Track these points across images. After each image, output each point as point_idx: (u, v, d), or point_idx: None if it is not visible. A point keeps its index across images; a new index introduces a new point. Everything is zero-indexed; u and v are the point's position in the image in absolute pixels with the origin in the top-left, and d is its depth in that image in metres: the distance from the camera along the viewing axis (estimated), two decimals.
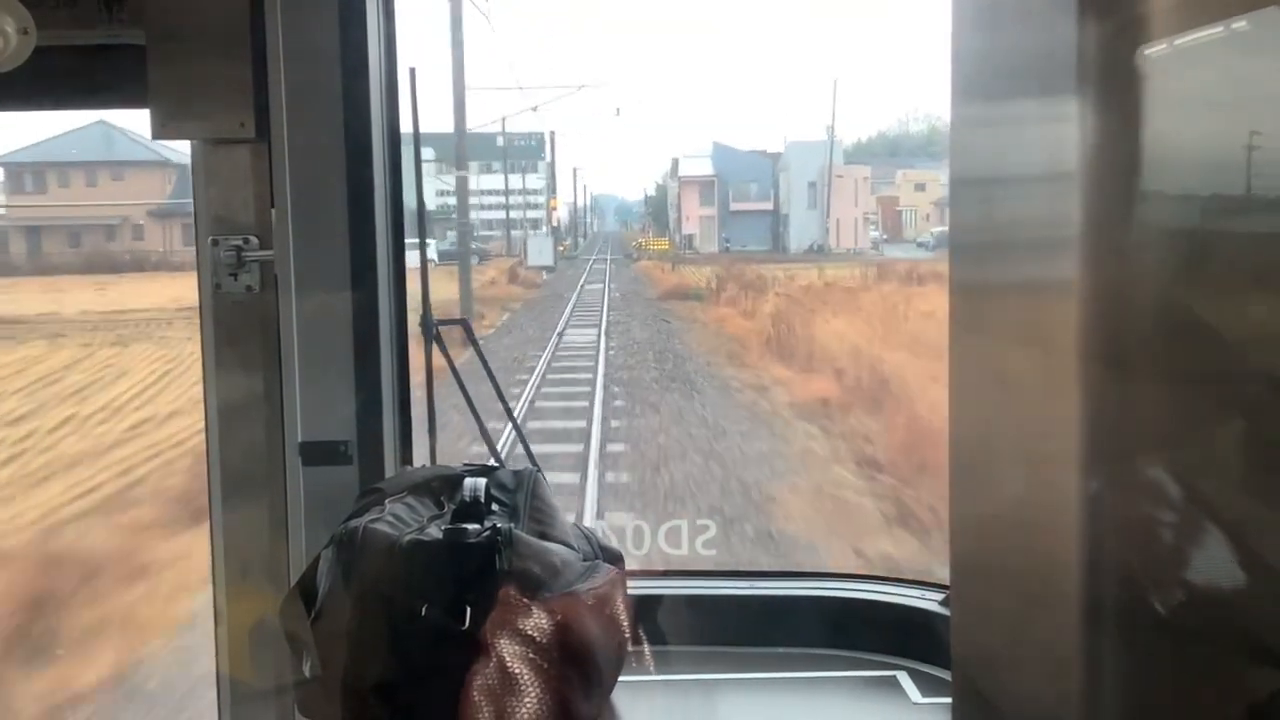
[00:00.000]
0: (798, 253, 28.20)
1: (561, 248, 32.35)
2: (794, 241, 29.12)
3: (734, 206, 30.36)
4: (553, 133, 32.03)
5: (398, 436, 2.24)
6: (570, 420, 12.14)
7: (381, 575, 1.69)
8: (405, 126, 2.26)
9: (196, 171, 2.16)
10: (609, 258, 33.80)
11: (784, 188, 29.78)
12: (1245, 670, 1.03)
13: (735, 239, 29.55)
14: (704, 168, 31.62)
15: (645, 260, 30.25)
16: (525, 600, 1.69)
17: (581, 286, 26.48)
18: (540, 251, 29.36)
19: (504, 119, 29.53)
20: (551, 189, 32.81)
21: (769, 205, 30.14)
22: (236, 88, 2.07)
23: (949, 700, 1.48)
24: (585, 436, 11.46)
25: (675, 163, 34.12)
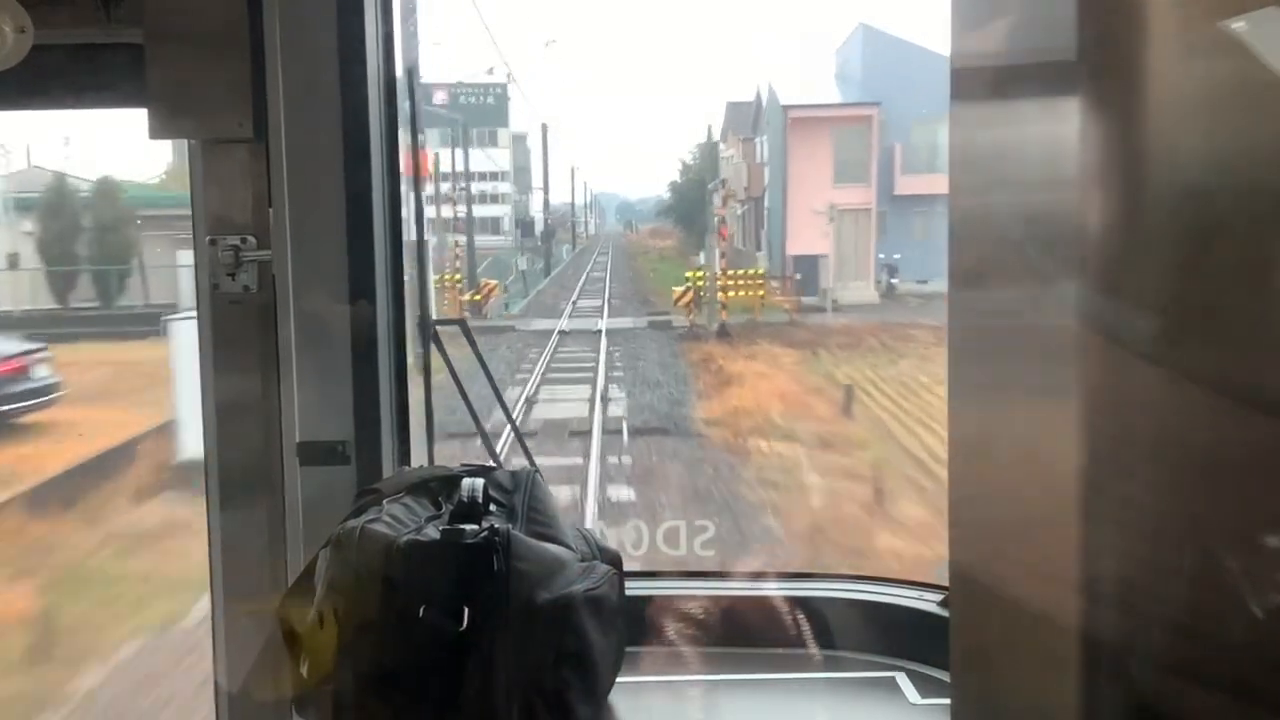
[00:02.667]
0: None
1: (480, 294, 15.11)
2: None
3: (903, 187, 12.92)
4: None
5: (395, 437, 2.24)
6: None
7: (379, 576, 1.69)
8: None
9: (194, 171, 2.16)
10: (601, 330, 13.00)
11: None
12: (1247, 673, 1.02)
13: (914, 265, 12.26)
14: (832, 89, 14.03)
15: (732, 352, 11.01)
16: (524, 603, 1.69)
17: None
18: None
19: None
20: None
21: None
22: (234, 87, 2.07)
23: (948, 701, 1.48)
24: None
25: (758, 100, 15.08)
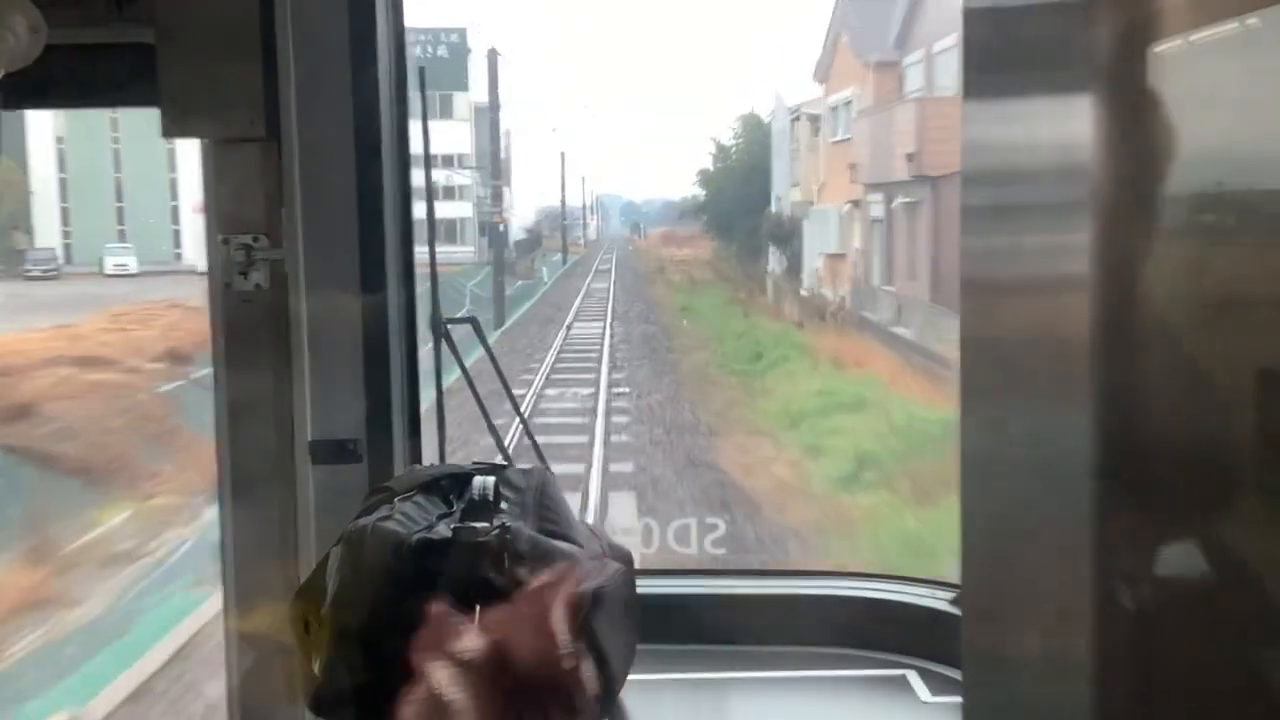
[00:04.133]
0: None
1: None
2: None
3: None
4: None
5: (407, 435, 2.25)
6: None
7: (390, 574, 1.69)
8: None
9: (207, 170, 2.17)
10: None
11: None
12: (1259, 671, 1.02)
13: None
14: None
15: None
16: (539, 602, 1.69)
17: None
18: None
19: None
20: None
21: None
22: (246, 86, 2.07)
23: (959, 699, 1.47)
24: None
25: None
